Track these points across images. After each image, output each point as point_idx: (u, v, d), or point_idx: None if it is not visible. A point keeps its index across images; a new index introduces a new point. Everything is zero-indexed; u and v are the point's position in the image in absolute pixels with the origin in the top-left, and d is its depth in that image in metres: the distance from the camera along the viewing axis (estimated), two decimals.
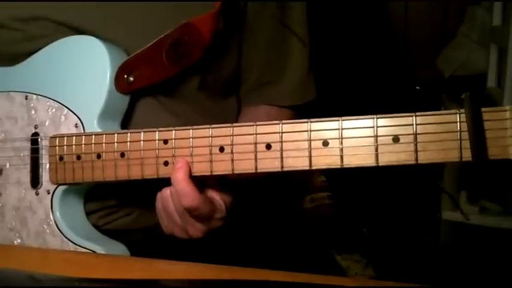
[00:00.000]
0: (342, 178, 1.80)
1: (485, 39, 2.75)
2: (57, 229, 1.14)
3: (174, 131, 1.00)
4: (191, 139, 0.98)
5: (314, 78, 1.39)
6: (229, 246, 1.34)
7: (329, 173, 1.80)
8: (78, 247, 1.13)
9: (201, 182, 1.03)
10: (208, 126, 0.97)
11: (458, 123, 0.83)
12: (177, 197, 1.02)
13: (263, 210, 1.53)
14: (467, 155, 0.82)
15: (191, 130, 0.98)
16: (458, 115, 0.83)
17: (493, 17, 2.64)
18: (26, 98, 1.18)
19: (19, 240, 1.18)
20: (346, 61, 2.96)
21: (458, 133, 0.83)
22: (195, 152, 0.98)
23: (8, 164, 1.19)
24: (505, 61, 2.39)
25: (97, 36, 1.15)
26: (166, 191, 1.05)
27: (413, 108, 0.86)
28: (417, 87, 3.06)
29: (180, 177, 0.99)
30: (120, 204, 1.26)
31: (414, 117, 0.85)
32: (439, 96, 2.75)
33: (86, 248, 1.13)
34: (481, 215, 2.47)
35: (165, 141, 1.00)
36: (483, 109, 0.82)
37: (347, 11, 2.97)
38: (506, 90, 2.33)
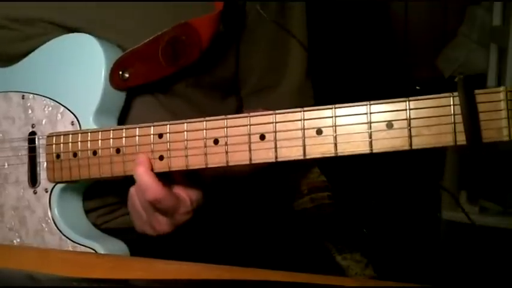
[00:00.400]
0: (342, 178, 1.80)
1: (485, 39, 2.75)
2: (55, 227, 1.14)
3: (168, 125, 0.99)
4: (185, 132, 0.97)
5: (313, 82, 1.39)
6: (228, 246, 1.34)
7: (329, 173, 1.79)
8: (76, 245, 1.13)
9: (166, 178, 1.04)
10: (202, 119, 0.97)
11: (452, 106, 0.82)
12: (141, 191, 1.03)
13: (263, 209, 1.53)
14: (461, 139, 0.82)
15: (185, 124, 0.98)
16: (451, 98, 0.82)
17: (493, 17, 2.64)
18: (23, 98, 1.18)
19: (18, 240, 1.18)
20: (346, 61, 2.96)
21: (452, 116, 0.82)
22: (190, 145, 0.97)
23: (6, 164, 1.19)
24: (505, 61, 2.40)
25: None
26: (132, 189, 1.06)
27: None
28: (417, 87, 3.05)
29: (141, 171, 1.00)
30: (118, 203, 1.25)
31: (407, 102, 0.84)
32: None
33: (84, 246, 1.13)
34: (481, 215, 2.47)
35: (160, 136, 1.00)
36: (476, 91, 0.81)
37: (347, 11, 2.98)
38: None
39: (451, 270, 2.34)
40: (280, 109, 1.29)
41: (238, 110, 1.40)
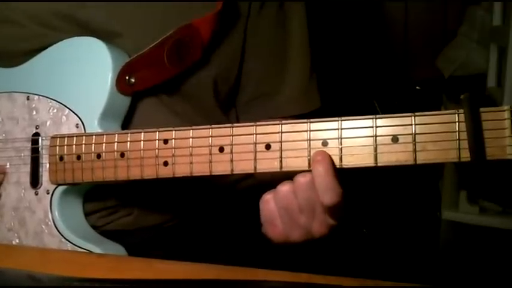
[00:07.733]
0: (342, 178, 1.80)
1: (485, 39, 2.75)
2: (55, 229, 1.14)
3: (174, 131, 0.99)
4: (191, 139, 0.97)
5: (317, 85, 1.37)
6: (229, 246, 1.34)
7: None
8: (76, 248, 1.13)
9: None
10: (208, 126, 0.97)
11: (457, 123, 0.82)
12: (316, 192, 0.90)
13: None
14: (465, 155, 0.82)
15: (191, 130, 0.98)
16: (457, 115, 0.82)
17: (493, 17, 2.64)
18: (28, 99, 1.18)
19: (17, 240, 1.18)
20: (346, 62, 2.96)
21: (457, 133, 0.82)
22: (195, 152, 0.97)
23: (8, 164, 1.19)
24: (505, 61, 2.40)
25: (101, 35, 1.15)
26: (282, 188, 0.95)
27: (413, 109, 0.86)
28: (417, 87, 3.06)
29: (326, 170, 0.89)
30: (119, 205, 1.26)
31: (413, 117, 0.85)
32: (439, 96, 2.76)
33: (84, 249, 1.13)
34: (481, 215, 2.47)
35: (165, 141, 1.00)
36: (482, 109, 0.81)
37: (347, 11, 2.97)
38: (506, 90, 2.34)
39: (450, 270, 2.34)
40: (283, 115, 1.30)
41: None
